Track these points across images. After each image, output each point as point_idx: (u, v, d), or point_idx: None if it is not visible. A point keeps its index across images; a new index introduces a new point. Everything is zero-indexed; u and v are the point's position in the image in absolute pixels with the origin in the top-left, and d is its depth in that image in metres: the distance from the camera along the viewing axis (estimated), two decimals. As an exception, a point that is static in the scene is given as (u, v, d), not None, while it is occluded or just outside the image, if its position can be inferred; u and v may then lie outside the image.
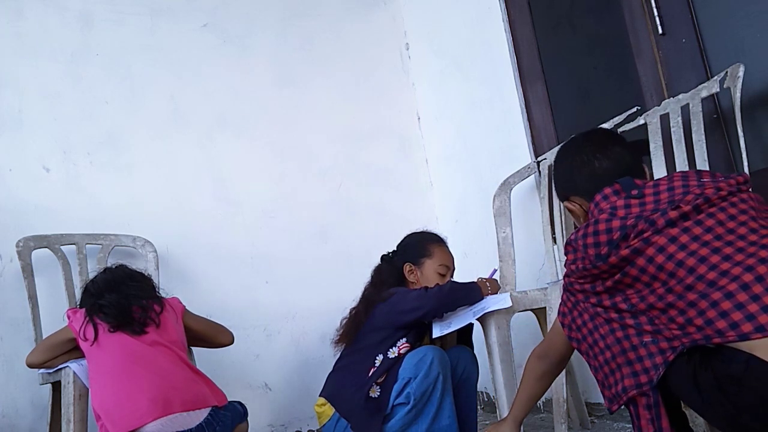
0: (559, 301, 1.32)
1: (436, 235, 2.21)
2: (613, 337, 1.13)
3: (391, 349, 1.96)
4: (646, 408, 1.08)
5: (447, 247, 2.19)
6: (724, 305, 0.98)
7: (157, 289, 2.10)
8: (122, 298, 1.96)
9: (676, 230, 1.09)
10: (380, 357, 1.95)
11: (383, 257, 2.20)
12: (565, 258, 1.25)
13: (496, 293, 2.03)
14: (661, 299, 1.06)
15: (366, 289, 2.11)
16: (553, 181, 1.47)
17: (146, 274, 2.12)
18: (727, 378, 0.97)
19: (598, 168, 1.30)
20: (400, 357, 1.92)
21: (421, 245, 2.16)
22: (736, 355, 0.96)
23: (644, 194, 1.19)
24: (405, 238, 2.22)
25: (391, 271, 2.13)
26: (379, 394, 1.90)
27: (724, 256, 1.03)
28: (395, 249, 2.21)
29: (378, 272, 2.15)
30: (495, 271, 2.16)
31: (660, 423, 1.07)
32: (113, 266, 2.11)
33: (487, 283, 2.03)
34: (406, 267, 2.12)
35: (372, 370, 1.93)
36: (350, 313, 2.08)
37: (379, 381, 1.92)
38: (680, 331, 1.03)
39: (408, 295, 1.98)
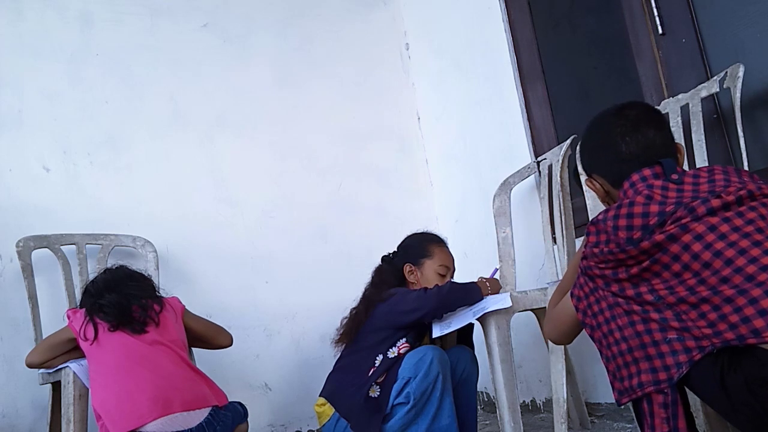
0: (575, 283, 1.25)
1: (436, 235, 2.22)
2: (633, 329, 1.07)
3: (390, 349, 1.96)
4: (662, 406, 1.03)
5: (447, 247, 2.19)
6: (764, 303, 0.93)
7: (157, 290, 2.11)
8: (122, 297, 1.96)
9: (716, 219, 1.03)
10: (380, 357, 1.95)
11: (384, 258, 2.20)
12: (586, 239, 1.18)
13: (497, 293, 2.03)
14: (693, 293, 1.00)
15: (366, 289, 2.12)
16: (578, 151, 1.40)
17: (146, 275, 2.13)
18: (759, 380, 0.92)
19: (624, 152, 1.22)
20: (400, 357, 1.93)
21: (421, 246, 2.17)
22: None
23: (683, 181, 1.14)
24: (405, 238, 2.23)
25: (391, 271, 2.14)
26: (378, 393, 1.90)
27: (765, 250, 0.97)
28: (396, 250, 2.21)
29: (378, 273, 2.16)
30: (496, 270, 2.16)
31: (677, 423, 1.03)
32: (113, 266, 2.12)
33: (488, 283, 2.03)
34: (406, 267, 2.13)
35: (372, 370, 1.93)
36: (351, 313, 2.08)
37: (378, 380, 1.92)
38: (710, 329, 0.98)
39: (408, 295, 1.98)
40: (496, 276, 2.13)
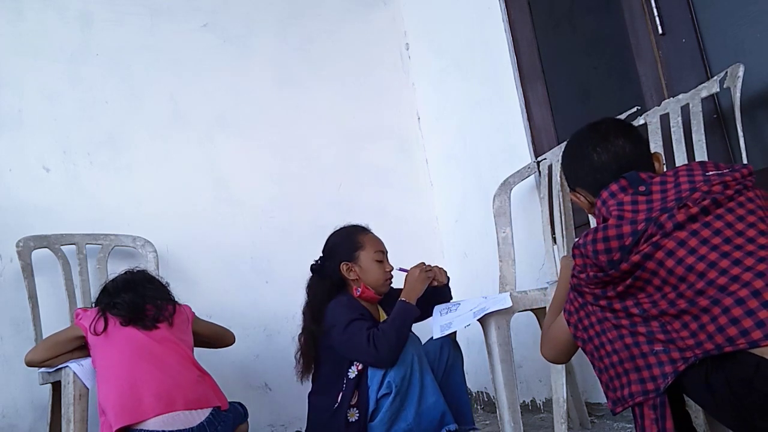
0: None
1: (358, 225, 2.15)
2: (621, 342, 1.12)
3: (350, 369, 1.93)
4: (652, 408, 1.08)
5: (373, 233, 2.14)
6: (735, 312, 0.99)
7: (171, 296, 2.12)
8: (138, 297, 1.99)
9: (684, 233, 1.08)
10: (344, 379, 1.93)
11: (313, 268, 2.10)
12: (573, 261, 1.23)
13: (419, 283, 1.99)
14: (673, 305, 1.06)
15: (304, 312, 2.06)
16: (561, 167, 1.45)
17: (164, 282, 2.15)
18: (738, 380, 0.98)
19: (596, 161, 1.28)
20: (361, 372, 1.91)
21: (350, 240, 2.09)
22: (747, 357, 0.97)
23: (651, 190, 1.17)
24: (329, 239, 2.14)
25: (324, 282, 2.05)
26: (358, 416, 1.89)
27: (734, 260, 1.03)
28: (322, 254, 2.12)
29: (311, 289, 2.08)
30: (401, 269, 2.09)
31: (665, 423, 1.07)
32: (134, 269, 2.15)
33: (408, 285, 1.99)
34: (343, 267, 2.04)
35: (341, 395, 1.92)
36: (299, 343, 2.05)
37: (353, 403, 1.90)
38: (692, 339, 1.03)
39: (354, 339, 1.89)
40: (406, 268, 2.06)
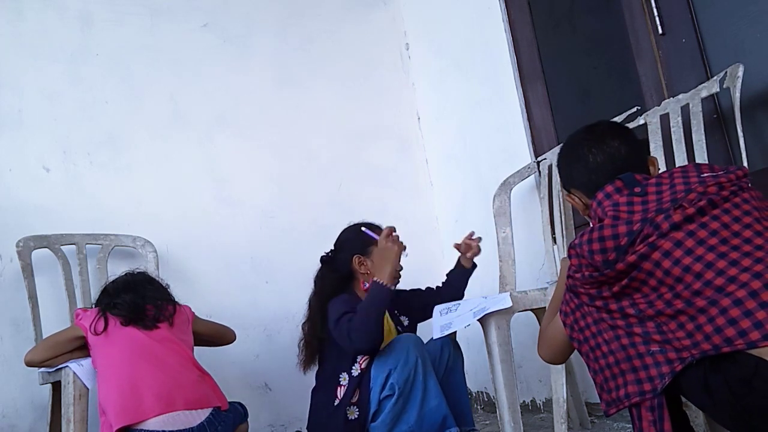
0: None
1: (372, 223, 2.19)
2: (618, 343, 1.12)
3: (353, 366, 1.95)
4: (650, 410, 1.08)
5: None
6: (732, 312, 0.99)
7: (171, 296, 2.13)
8: (138, 297, 2.00)
9: (681, 234, 1.08)
10: (344, 375, 1.95)
11: (323, 259, 2.14)
12: (569, 261, 1.23)
13: (388, 256, 1.98)
14: (670, 305, 1.06)
15: (310, 301, 2.08)
16: (557, 168, 1.45)
17: (164, 284, 2.16)
18: (737, 380, 0.98)
19: (591, 162, 1.29)
20: (364, 371, 1.92)
21: (364, 235, 2.13)
22: (745, 358, 0.97)
23: (647, 192, 1.18)
24: (342, 233, 2.19)
25: (333, 274, 2.08)
26: (357, 415, 1.90)
27: (730, 260, 1.03)
28: (333, 248, 2.17)
29: (320, 279, 2.11)
30: (364, 230, 2.10)
31: (662, 425, 1.07)
32: (134, 271, 2.16)
33: (377, 261, 1.98)
34: (356, 259, 2.08)
35: (339, 389, 1.93)
36: (302, 332, 2.06)
37: (353, 401, 1.91)
38: (689, 340, 1.03)
39: (340, 335, 1.90)
40: (373, 234, 2.06)
